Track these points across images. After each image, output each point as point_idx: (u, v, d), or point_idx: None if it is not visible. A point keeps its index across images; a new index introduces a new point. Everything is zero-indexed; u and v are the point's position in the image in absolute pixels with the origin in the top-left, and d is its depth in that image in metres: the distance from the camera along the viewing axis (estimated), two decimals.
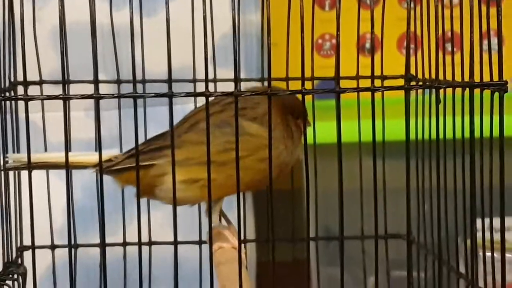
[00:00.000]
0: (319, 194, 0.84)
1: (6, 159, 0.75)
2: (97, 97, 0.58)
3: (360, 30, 0.85)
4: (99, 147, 0.60)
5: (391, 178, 0.85)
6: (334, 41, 1.26)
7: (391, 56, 1.21)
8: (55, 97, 0.58)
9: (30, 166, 0.64)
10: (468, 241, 0.70)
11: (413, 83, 0.77)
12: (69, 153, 0.64)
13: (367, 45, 1.24)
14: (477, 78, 0.63)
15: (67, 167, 0.63)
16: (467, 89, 0.64)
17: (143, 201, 0.75)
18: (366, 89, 0.59)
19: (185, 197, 0.72)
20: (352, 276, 1.05)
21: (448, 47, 0.71)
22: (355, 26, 0.84)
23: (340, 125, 0.60)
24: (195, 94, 0.61)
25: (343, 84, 0.60)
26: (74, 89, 0.81)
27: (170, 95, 0.58)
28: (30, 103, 0.60)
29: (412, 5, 0.73)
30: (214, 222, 0.76)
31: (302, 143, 0.73)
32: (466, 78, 0.65)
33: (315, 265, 0.87)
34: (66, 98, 0.58)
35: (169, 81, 0.62)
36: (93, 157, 0.74)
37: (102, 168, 0.65)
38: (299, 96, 0.61)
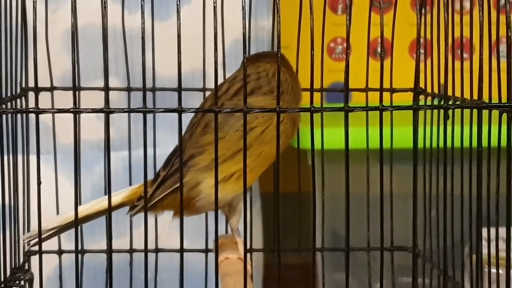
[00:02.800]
0: (326, 198, 0.84)
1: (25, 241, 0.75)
2: (107, 111, 0.58)
3: (371, 33, 0.84)
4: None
5: (397, 184, 0.85)
6: (346, 45, 1.26)
7: (402, 61, 1.21)
8: (66, 111, 0.58)
9: (42, 239, 0.66)
10: (474, 256, 0.70)
11: (421, 97, 0.77)
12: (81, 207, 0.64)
13: (379, 49, 1.24)
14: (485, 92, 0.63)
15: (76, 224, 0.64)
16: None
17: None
18: (374, 108, 0.59)
19: (224, 197, 0.71)
20: (358, 281, 1.06)
21: (458, 52, 0.71)
22: (366, 30, 0.84)
23: (348, 143, 0.61)
24: (204, 110, 0.62)
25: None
26: (84, 94, 0.82)
27: (180, 111, 0.58)
28: (40, 101, 0.61)
29: (421, 19, 0.73)
30: (234, 227, 0.77)
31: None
32: (475, 95, 0.65)
33: (321, 271, 0.87)
34: (77, 112, 0.59)
35: (179, 93, 0.62)
36: (121, 194, 0.75)
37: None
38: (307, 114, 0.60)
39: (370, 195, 0.84)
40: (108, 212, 0.65)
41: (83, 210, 0.74)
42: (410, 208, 0.83)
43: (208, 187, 0.72)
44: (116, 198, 0.75)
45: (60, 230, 0.75)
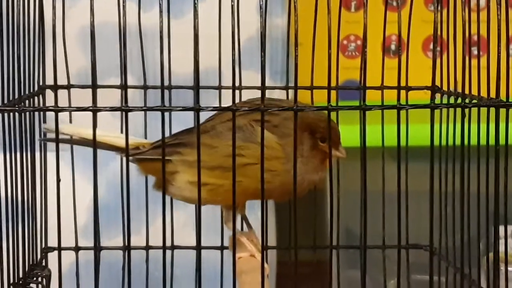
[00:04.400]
0: (341, 194, 0.84)
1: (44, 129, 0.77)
2: (125, 110, 0.59)
3: (385, 31, 0.84)
4: (126, 156, 0.60)
5: (411, 181, 0.85)
6: (359, 42, 1.27)
7: (416, 58, 1.21)
8: (85, 109, 0.58)
9: (58, 139, 0.65)
10: (490, 254, 0.70)
11: (438, 95, 0.77)
12: (100, 132, 0.65)
13: (392, 46, 1.24)
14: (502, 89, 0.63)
15: (95, 147, 0.64)
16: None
17: (167, 201, 0.76)
18: (392, 107, 0.59)
19: (192, 197, 0.72)
20: (372, 279, 1.06)
21: (474, 50, 0.71)
22: (380, 27, 0.84)
23: (365, 141, 0.61)
24: (221, 109, 0.62)
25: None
26: (98, 91, 0.82)
27: (197, 109, 0.58)
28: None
29: (439, 17, 0.73)
30: (230, 229, 0.77)
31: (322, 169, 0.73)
32: (492, 92, 0.65)
33: (335, 268, 0.88)
34: (95, 110, 0.59)
35: (197, 92, 0.62)
36: (122, 140, 0.73)
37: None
38: (325, 112, 0.61)
39: (381, 193, 0.84)
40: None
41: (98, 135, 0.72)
42: (424, 206, 0.83)
43: (181, 180, 0.73)
44: (119, 141, 0.76)
45: (72, 139, 0.77)
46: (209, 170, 0.69)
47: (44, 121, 0.82)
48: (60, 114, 0.64)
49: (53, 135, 0.68)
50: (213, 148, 0.70)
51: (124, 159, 0.69)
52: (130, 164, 0.96)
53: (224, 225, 0.81)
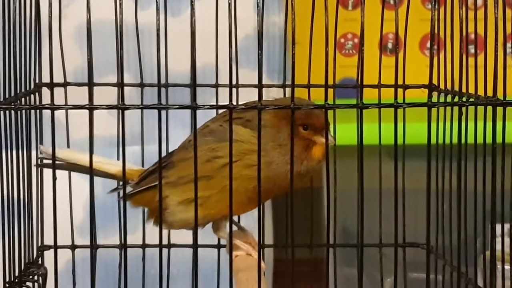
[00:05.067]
0: (337, 192, 0.84)
1: (40, 155, 0.77)
2: (122, 108, 0.59)
3: (379, 28, 0.84)
4: (123, 169, 0.60)
5: (408, 179, 0.85)
6: (356, 40, 1.27)
7: (414, 57, 1.21)
8: (81, 107, 0.58)
9: (55, 162, 0.65)
10: (487, 253, 0.70)
11: (435, 93, 0.77)
12: (96, 158, 0.65)
13: (389, 45, 1.24)
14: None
15: (91, 171, 0.63)
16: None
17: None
18: (389, 105, 0.59)
19: (189, 218, 0.69)
20: (368, 277, 1.06)
21: (471, 49, 0.71)
22: (376, 26, 0.84)
23: (362, 140, 0.61)
24: (219, 107, 0.62)
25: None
26: (94, 89, 0.82)
27: (194, 107, 0.58)
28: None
29: (437, 15, 0.73)
30: (221, 237, 0.76)
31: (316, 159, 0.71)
32: (489, 91, 0.65)
33: (332, 266, 0.87)
34: (91, 108, 0.59)
35: (194, 90, 0.62)
36: (116, 167, 0.76)
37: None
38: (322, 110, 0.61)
39: (376, 191, 0.84)
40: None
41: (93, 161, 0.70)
42: (420, 204, 0.83)
43: (173, 204, 0.71)
44: (112, 168, 0.76)
45: (66, 165, 0.77)
46: (192, 183, 0.64)
47: (40, 119, 0.81)
48: (56, 112, 0.64)
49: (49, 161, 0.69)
50: (190, 159, 0.64)
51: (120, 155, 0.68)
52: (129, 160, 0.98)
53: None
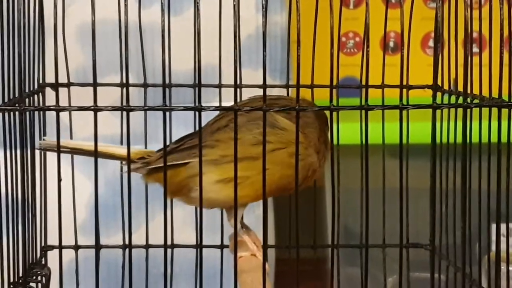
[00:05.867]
0: (340, 192, 0.84)
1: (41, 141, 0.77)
2: (126, 109, 0.58)
3: (380, 28, 0.84)
4: (128, 163, 0.60)
5: (411, 178, 0.85)
6: (357, 39, 1.26)
7: (415, 56, 1.21)
8: (86, 109, 0.58)
9: (60, 148, 0.66)
10: (491, 253, 0.70)
11: (439, 94, 0.77)
12: (101, 144, 0.65)
13: (391, 44, 1.24)
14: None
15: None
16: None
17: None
18: (394, 107, 0.59)
19: (218, 199, 0.71)
20: (370, 276, 1.06)
21: (474, 48, 0.71)
22: (378, 24, 0.83)
23: (367, 141, 0.61)
24: (224, 108, 0.62)
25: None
26: (99, 88, 0.82)
27: (199, 109, 0.58)
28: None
29: (441, 13, 0.73)
30: (237, 228, 0.77)
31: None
32: (494, 91, 0.65)
33: (335, 267, 0.87)
34: (96, 110, 0.59)
35: (199, 91, 0.62)
36: (124, 150, 0.73)
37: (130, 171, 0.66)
38: (327, 112, 0.61)
39: (378, 190, 0.84)
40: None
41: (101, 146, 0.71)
42: (421, 202, 0.83)
43: (207, 182, 0.71)
44: (120, 151, 0.76)
45: (71, 151, 0.77)
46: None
47: (44, 119, 0.81)
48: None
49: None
50: (237, 140, 0.67)
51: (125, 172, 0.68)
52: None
53: (229, 225, 0.80)
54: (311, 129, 0.73)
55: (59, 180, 0.66)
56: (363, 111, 0.62)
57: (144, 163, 0.75)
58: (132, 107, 0.59)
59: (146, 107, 0.60)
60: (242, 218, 0.79)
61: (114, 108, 0.58)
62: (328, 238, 1.13)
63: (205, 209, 0.73)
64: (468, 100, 0.67)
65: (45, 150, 0.79)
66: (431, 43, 1.26)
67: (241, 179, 0.69)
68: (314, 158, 0.73)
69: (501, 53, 0.61)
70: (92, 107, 0.58)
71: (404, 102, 0.72)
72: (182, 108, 0.59)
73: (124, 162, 0.76)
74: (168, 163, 0.71)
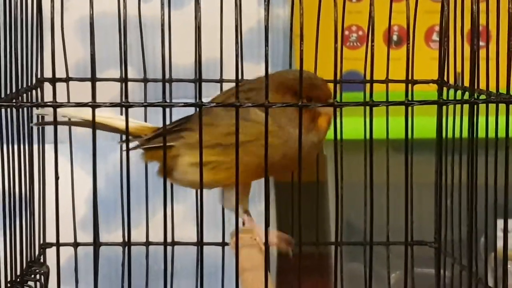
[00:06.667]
0: (343, 187, 0.83)
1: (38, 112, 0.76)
2: (126, 106, 0.57)
3: (384, 22, 0.83)
4: (127, 155, 0.59)
5: (414, 172, 0.84)
6: (361, 33, 1.25)
7: (419, 49, 1.20)
8: (84, 105, 0.57)
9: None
10: (498, 250, 0.69)
11: (445, 89, 0.76)
12: (101, 113, 0.65)
13: (394, 37, 1.23)
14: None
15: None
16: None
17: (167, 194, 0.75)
18: (399, 103, 0.58)
19: (196, 180, 0.69)
20: (373, 271, 1.05)
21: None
22: (381, 18, 0.82)
23: (372, 138, 0.60)
24: (225, 105, 0.61)
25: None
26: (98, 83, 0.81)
27: (200, 105, 0.57)
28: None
29: (448, 6, 0.71)
30: (229, 208, 0.77)
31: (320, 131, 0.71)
32: (502, 85, 0.63)
33: (335, 262, 0.86)
34: (95, 106, 0.58)
35: (199, 86, 0.60)
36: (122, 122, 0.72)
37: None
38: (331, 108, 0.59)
39: (380, 186, 0.83)
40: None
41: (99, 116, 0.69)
42: (424, 198, 0.82)
43: (184, 164, 0.73)
44: (121, 124, 0.75)
45: (71, 121, 0.77)
46: (210, 149, 0.69)
47: (43, 116, 0.80)
48: None
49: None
50: (212, 126, 0.69)
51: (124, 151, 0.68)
52: (131, 152, 0.97)
53: (230, 221, 0.79)
54: (284, 113, 0.69)
55: (57, 178, 0.65)
56: (369, 108, 0.60)
57: (138, 144, 0.77)
58: (131, 103, 0.58)
59: (146, 103, 0.59)
60: (249, 213, 0.79)
61: (113, 104, 0.57)
62: (331, 233, 1.13)
63: (192, 187, 0.75)
64: (475, 95, 0.66)
65: (42, 125, 0.79)
66: (435, 36, 1.25)
67: (216, 164, 0.71)
68: (291, 143, 0.69)
69: (509, 46, 0.60)
70: (90, 103, 0.57)
71: (409, 97, 0.71)
72: (183, 104, 0.58)
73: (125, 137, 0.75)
74: (154, 145, 0.75)
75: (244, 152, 0.66)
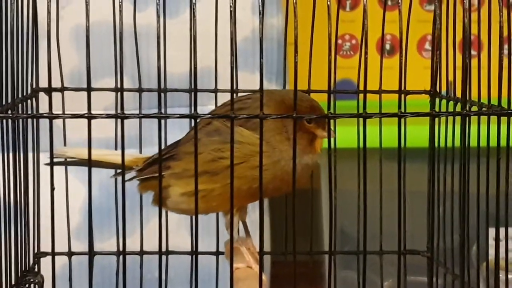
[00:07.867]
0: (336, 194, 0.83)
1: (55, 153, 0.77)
2: (121, 117, 0.58)
3: (376, 32, 0.83)
4: (122, 169, 0.59)
5: (406, 180, 0.84)
6: (354, 41, 1.26)
7: (411, 58, 1.20)
8: (80, 116, 0.57)
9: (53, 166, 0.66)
10: (490, 259, 0.69)
11: (437, 100, 0.77)
12: (98, 151, 0.66)
13: (387, 46, 1.24)
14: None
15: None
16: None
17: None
18: (392, 115, 0.58)
19: (190, 209, 0.71)
20: (366, 279, 1.05)
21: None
22: (374, 27, 0.82)
23: (365, 148, 0.60)
24: (220, 116, 0.61)
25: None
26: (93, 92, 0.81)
27: (195, 117, 0.57)
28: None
29: (439, 21, 0.72)
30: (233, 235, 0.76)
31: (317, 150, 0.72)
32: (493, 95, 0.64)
33: (328, 269, 0.87)
34: (90, 117, 0.58)
35: (195, 97, 0.61)
36: (118, 157, 0.72)
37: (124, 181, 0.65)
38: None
39: (373, 194, 0.84)
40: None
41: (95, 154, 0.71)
42: (416, 206, 0.82)
43: (175, 194, 0.73)
44: (116, 158, 0.75)
45: (67, 161, 0.78)
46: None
47: (37, 123, 0.80)
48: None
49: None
50: (198, 154, 0.67)
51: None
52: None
53: (225, 231, 0.80)
54: (275, 133, 0.69)
55: (52, 189, 0.65)
56: (362, 120, 0.61)
57: (134, 176, 0.77)
58: (126, 115, 0.58)
59: (141, 115, 0.59)
60: (246, 224, 0.79)
61: (108, 116, 0.58)
62: (325, 241, 1.13)
63: (187, 215, 0.76)
64: (467, 107, 0.66)
65: (56, 165, 0.78)
66: (427, 45, 1.25)
67: (205, 192, 0.70)
68: (283, 163, 0.69)
69: (500, 57, 0.60)
70: (86, 115, 0.58)
71: (402, 108, 0.72)
72: (178, 116, 0.59)
73: (119, 170, 0.75)
74: (146, 176, 0.75)
75: (234, 176, 0.64)
